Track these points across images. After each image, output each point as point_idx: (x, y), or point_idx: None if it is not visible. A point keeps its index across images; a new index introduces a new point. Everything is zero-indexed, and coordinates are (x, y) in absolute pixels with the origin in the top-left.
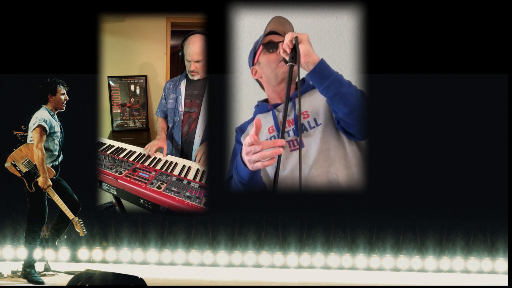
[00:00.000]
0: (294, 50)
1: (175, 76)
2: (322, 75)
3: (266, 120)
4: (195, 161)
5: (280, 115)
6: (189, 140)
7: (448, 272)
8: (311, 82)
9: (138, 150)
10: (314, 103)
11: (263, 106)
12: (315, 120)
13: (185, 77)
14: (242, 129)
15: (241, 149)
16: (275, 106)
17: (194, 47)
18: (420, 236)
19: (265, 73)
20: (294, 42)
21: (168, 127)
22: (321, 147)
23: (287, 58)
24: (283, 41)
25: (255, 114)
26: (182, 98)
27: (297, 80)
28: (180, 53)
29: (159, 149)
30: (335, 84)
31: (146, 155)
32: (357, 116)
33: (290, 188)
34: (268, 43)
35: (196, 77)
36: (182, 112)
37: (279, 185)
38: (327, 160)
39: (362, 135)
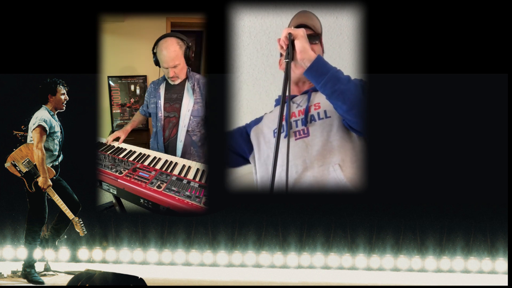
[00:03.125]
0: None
1: None
2: (319, 72)
3: None
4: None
5: (293, 106)
6: (171, 145)
7: (448, 272)
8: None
9: (138, 150)
10: None
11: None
12: (325, 112)
13: (164, 79)
14: (250, 126)
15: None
16: (292, 97)
17: (168, 53)
18: (420, 236)
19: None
20: (288, 38)
21: (142, 123)
22: (327, 139)
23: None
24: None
25: (275, 106)
26: (162, 102)
27: (288, 76)
28: (154, 59)
29: (117, 139)
30: (332, 81)
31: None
32: (357, 113)
33: (289, 184)
34: None
35: (177, 82)
36: (162, 117)
37: (279, 178)
38: (331, 152)
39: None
